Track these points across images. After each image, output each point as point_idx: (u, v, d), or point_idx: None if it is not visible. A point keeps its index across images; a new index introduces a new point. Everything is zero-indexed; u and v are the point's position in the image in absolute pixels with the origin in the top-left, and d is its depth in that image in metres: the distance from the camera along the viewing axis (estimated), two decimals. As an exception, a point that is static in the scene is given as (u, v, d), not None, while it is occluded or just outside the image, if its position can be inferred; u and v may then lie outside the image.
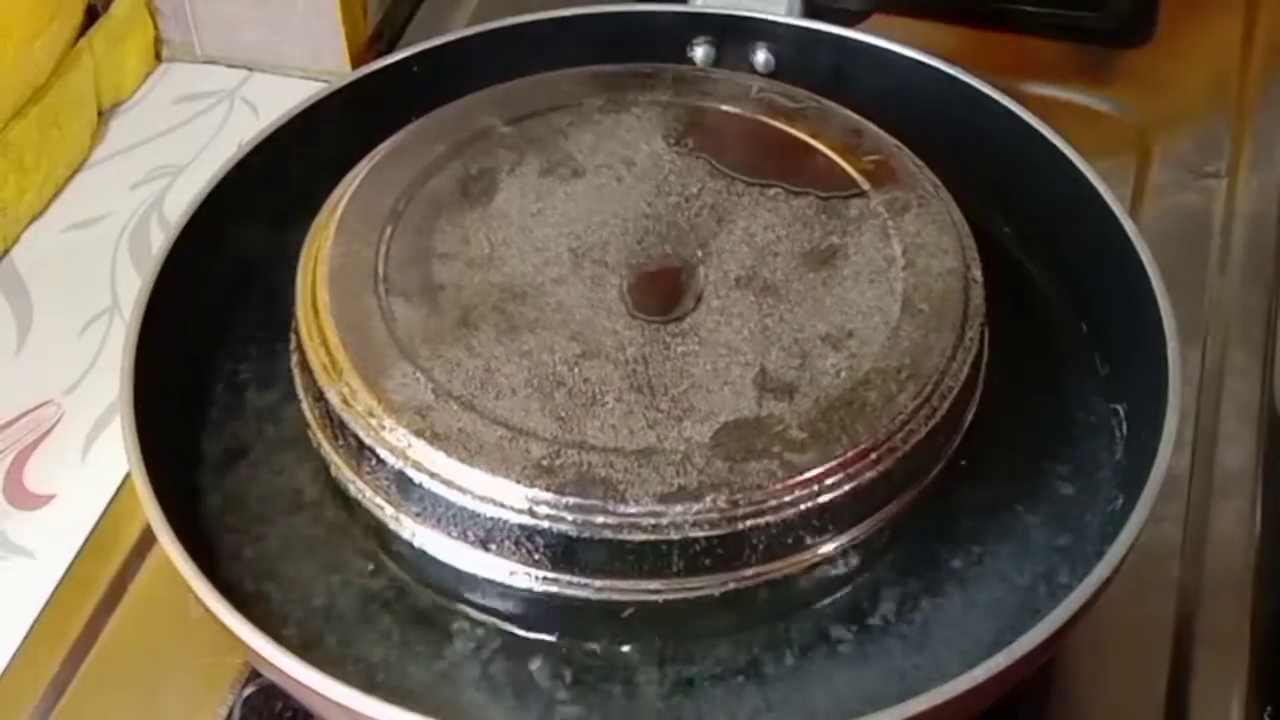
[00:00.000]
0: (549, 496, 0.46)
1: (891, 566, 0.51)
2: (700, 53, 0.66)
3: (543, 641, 0.49)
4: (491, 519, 0.46)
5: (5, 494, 0.64)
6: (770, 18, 0.66)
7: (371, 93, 0.63)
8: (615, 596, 0.47)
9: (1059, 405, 0.56)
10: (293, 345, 0.53)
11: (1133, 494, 0.49)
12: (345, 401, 0.49)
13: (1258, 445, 0.63)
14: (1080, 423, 0.56)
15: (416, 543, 0.48)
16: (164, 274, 0.55)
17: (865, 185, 0.56)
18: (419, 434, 0.47)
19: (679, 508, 0.45)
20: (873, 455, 0.47)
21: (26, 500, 0.64)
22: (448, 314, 0.51)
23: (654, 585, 0.47)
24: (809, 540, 0.47)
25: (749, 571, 0.47)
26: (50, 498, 0.64)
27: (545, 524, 0.46)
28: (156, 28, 0.85)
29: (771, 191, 0.56)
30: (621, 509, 0.46)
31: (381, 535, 0.50)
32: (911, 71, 0.63)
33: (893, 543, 0.50)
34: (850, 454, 0.47)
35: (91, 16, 0.81)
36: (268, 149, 0.60)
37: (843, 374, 0.49)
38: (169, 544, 0.47)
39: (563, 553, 0.46)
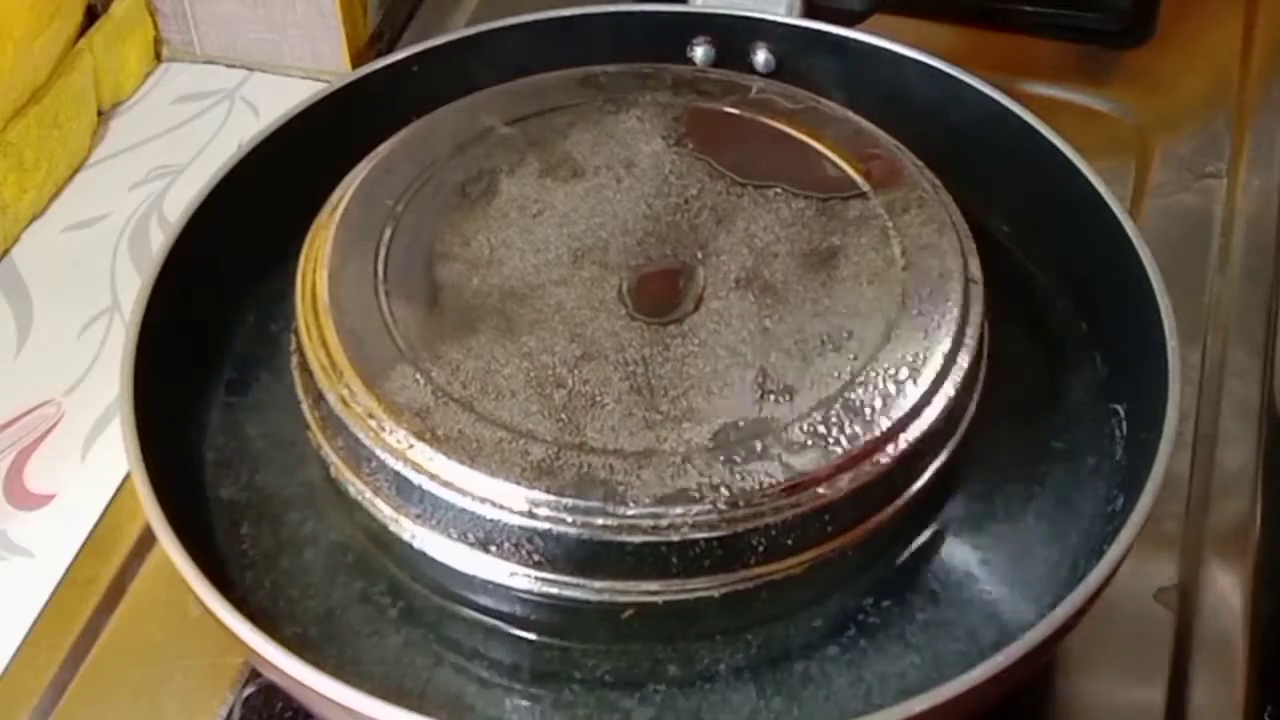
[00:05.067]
0: (549, 498, 0.46)
1: (891, 567, 0.51)
2: (700, 53, 0.66)
3: (542, 643, 0.49)
4: (491, 520, 0.46)
5: (5, 494, 0.64)
6: (770, 18, 0.66)
7: (371, 93, 0.63)
8: (615, 598, 0.47)
9: (1059, 405, 0.56)
10: (292, 346, 0.53)
11: (1133, 494, 0.49)
12: (345, 403, 0.49)
13: (1258, 445, 0.63)
14: (1080, 423, 0.56)
15: (416, 544, 0.48)
16: (164, 274, 0.55)
17: (865, 186, 0.56)
18: (419, 436, 0.47)
19: (679, 509, 0.46)
20: (872, 456, 0.47)
21: (26, 500, 0.64)
22: (448, 315, 0.51)
23: (654, 587, 0.47)
24: (808, 542, 0.47)
25: (749, 573, 0.47)
26: (50, 498, 0.64)
27: (545, 525, 0.46)
28: (156, 28, 0.85)
29: (771, 192, 0.56)
30: (621, 511, 0.46)
31: (381, 536, 0.50)
32: (911, 71, 0.63)
33: (892, 543, 0.51)
34: (850, 455, 0.47)
35: (91, 16, 0.81)
36: (268, 149, 0.60)
37: (842, 375, 0.49)
38: (169, 544, 0.47)
39: (562, 554, 0.46)
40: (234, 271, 0.59)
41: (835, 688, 0.49)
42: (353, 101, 0.62)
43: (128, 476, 0.62)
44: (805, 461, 0.47)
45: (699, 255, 0.54)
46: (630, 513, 0.45)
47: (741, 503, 0.46)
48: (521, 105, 0.59)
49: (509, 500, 0.46)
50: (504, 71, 0.61)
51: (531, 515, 0.46)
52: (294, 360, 0.53)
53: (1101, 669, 0.56)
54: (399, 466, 0.47)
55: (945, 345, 0.50)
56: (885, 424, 0.48)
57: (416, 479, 0.47)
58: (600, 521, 0.46)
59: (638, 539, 0.46)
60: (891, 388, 0.49)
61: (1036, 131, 0.60)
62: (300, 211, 0.56)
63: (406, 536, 0.49)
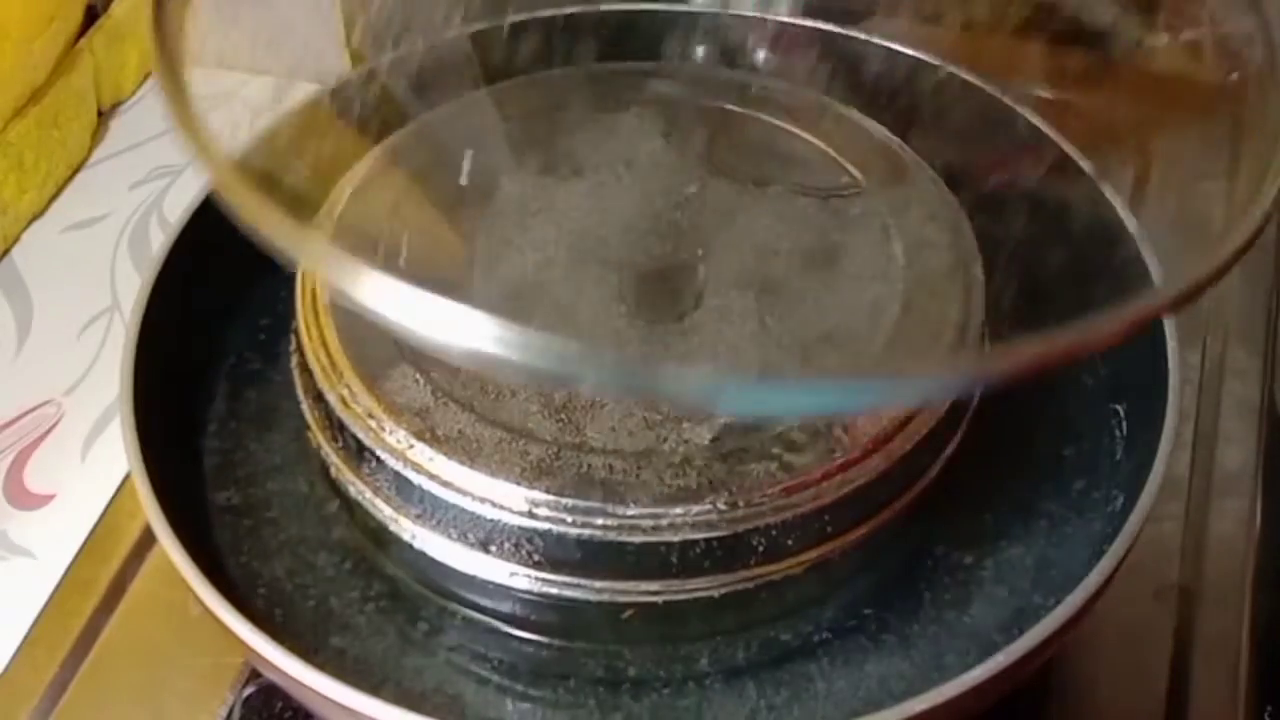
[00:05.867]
0: (548, 498, 0.46)
1: (891, 567, 0.51)
2: (700, 53, 0.66)
3: (542, 643, 0.49)
4: (491, 520, 0.46)
5: (5, 494, 0.64)
6: (770, 17, 0.66)
7: (371, 92, 0.63)
8: (615, 598, 0.47)
9: (1059, 405, 0.56)
10: (293, 346, 0.53)
11: (1133, 494, 0.49)
12: (345, 403, 0.49)
13: (1258, 445, 0.63)
14: (1080, 422, 0.56)
15: (416, 544, 0.48)
16: (164, 274, 0.55)
17: (865, 184, 0.56)
18: (419, 436, 0.47)
19: (678, 509, 0.45)
20: (873, 456, 0.47)
21: (26, 500, 0.64)
22: (448, 314, 0.51)
23: (653, 586, 0.47)
24: (808, 541, 0.47)
25: (749, 573, 0.47)
26: (50, 498, 0.64)
27: (545, 525, 0.46)
28: (156, 27, 0.85)
29: (771, 191, 0.56)
30: (621, 510, 0.46)
31: (381, 537, 0.50)
32: (911, 71, 0.63)
33: (892, 543, 0.50)
34: (850, 455, 0.47)
35: (91, 16, 0.81)
36: (267, 149, 0.60)
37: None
38: (169, 544, 0.47)
39: (562, 554, 0.46)
40: (234, 272, 0.59)
41: (836, 688, 0.49)
42: (352, 101, 0.62)
43: (128, 476, 0.62)
44: (805, 461, 0.47)
45: (699, 254, 0.53)
46: (630, 513, 0.45)
47: (741, 503, 0.46)
48: (521, 104, 0.59)
49: (509, 500, 0.46)
50: (503, 71, 0.61)
51: (531, 515, 0.46)
52: (294, 360, 0.53)
53: (1101, 669, 0.56)
54: (399, 466, 0.47)
55: (945, 345, 0.50)
56: (886, 424, 0.48)
57: (416, 479, 0.47)
58: (600, 521, 0.46)
59: (638, 539, 0.46)
60: (892, 387, 0.49)
61: (1038, 131, 0.60)
62: (300, 211, 0.56)
63: (406, 536, 0.49)
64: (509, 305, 0.51)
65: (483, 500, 0.46)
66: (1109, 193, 0.57)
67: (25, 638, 0.59)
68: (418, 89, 0.62)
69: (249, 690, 0.55)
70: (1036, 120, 0.60)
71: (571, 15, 0.65)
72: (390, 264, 0.52)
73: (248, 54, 0.84)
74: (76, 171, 0.79)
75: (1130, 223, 0.56)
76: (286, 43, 0.83)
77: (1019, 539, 0.52)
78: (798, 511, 0.46)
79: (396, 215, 0.54)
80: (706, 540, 0.46)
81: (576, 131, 0.58)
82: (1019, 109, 0.61)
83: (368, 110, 0.61)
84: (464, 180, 0.56)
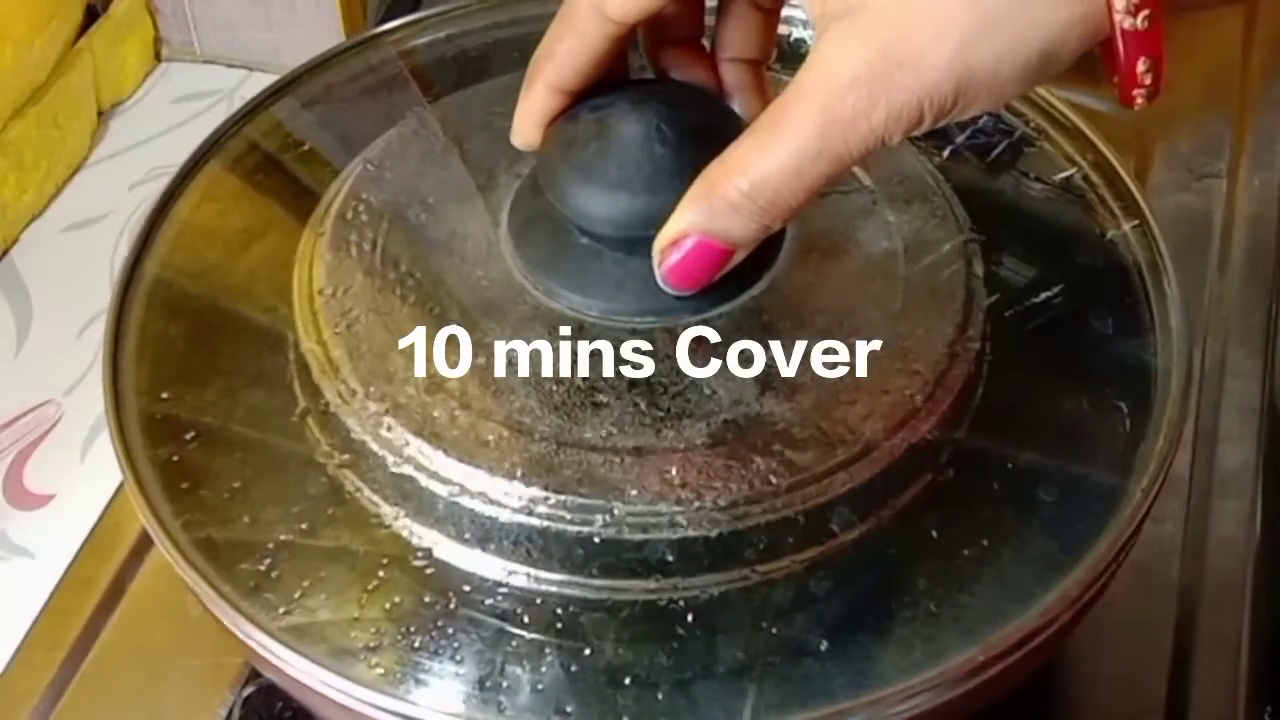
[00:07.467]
0: (547, 495, 0.46)
1: (892, 566, 0.51)
2: (701, 51, 0.66)
3: (541, 641, 0.49)
4: (489, 518, 0.46)
5: (5, 494, 0.65)
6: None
7: (369, 86, 0.63)
8: (614, 597, 0.47)
9: (1059, 404, 0.56)
10: (290, 343, 0.53)
11: (1132, 494, 0.49)
12: (342, 400, 0.49)
13: (1258, 445, 0.63)
14: (1080, 422, 0.56)
15: (415, 543, 0.48)
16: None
17: (866, 181, 0.55)
18: (416, 433, 0.47)
19: (678, 507, 0.45)
20: (873, 454, 0.47)
21: (26, 500, 0.64)
22: (446, 311, 0.51)
23: (653, 585, 0.47)
24: (809, 539, 0.47)
25: (749, 571, 0.47)
26: (50, 498, 0.64)
27: (543, 523, 0.46)
28: (156, 27, 0.85)
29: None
30: (620, 508, 0.45)
31: (380, 536, 0.50)
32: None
33: (893, 542, 0.50)
34: (851, 453, 0.47)
35: (91, 16, 0.82)
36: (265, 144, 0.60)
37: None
38: (166, 545, 0.47)
39: (561, 552, 0.46)
40: (232, 271, 0.59)
41: (837, 687, 0.48)
42: (350, 97, 0.62)
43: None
44: (805, 459, 0.47)
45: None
46: (629, 510, 0.45)
47: (741, 502, 0.46)
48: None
49: (507, 498, 0.46)
50: (502, 68, 0.61)
51: (530, 512, 0.46)
52: (291, 358, 0.53)
53: (1102, 669, 0.56)
54: (397, 465, 0.47)
55: (947, 343, 0.50)
56: (886, 422, 0.48)
57: (415, 476, 0.47)
58: (599, 519, 0.46)
59: (637, 536, 0.46)
60: (892, 385, 0.49)
61: (1037, 130, 0.60)
62: (298, 208, 0.56)
63: (405, 534, 0.49)
64: (508, 301, 0.51)
65: (481, 497, 0.46)
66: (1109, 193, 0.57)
67: (25, 638, 0.59)
68: (417, 82, 0.62)
69: (249, 690, 0.55)
70: (1037, 119, 0.60)
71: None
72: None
73: (248, 53, 0.84)
74: (76, 171, 0.79)
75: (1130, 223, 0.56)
76: (286, 42, 0.83)
77: (1019, 538, 0.52)
78: (798, 510, 0.46)
79: (394, 211, 0.54)
80: (706, 538, 0.46)
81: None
82: (1019, 107, 0.61)
83: (366, 103, 0.61)
84: (464, 176, 0.56)
